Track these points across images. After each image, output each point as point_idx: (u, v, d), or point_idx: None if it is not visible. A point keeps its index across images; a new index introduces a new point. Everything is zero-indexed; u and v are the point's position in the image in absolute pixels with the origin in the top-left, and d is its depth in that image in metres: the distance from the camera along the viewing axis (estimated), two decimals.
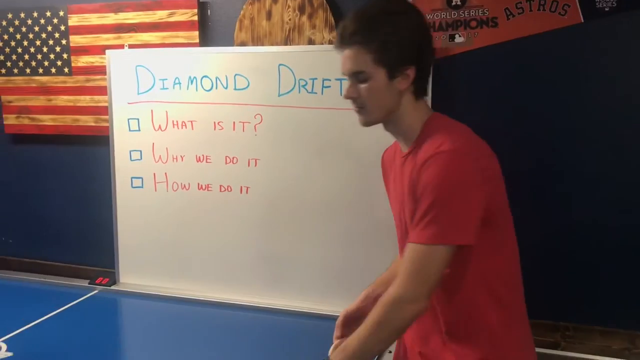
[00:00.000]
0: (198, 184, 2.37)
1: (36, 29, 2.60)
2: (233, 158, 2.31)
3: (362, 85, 1.35)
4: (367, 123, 1.40)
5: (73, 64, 2.58)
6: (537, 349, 1.98)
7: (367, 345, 1.32)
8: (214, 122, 2.31)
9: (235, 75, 2.25)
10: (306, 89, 2.18)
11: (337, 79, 2.11)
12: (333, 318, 2.07)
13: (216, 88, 2.29)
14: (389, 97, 1.35)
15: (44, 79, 2.63)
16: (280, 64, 2.19)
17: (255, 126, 2.26)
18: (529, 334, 1.46)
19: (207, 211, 2.37)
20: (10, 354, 1.91)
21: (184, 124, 2.35)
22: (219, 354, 1.90)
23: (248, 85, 2.25)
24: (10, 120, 2.72)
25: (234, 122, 2.28)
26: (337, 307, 2.12)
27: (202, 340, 2.02)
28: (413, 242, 1.29)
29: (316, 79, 2.16)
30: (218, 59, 2.28)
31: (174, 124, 2.37)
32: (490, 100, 2.10)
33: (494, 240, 1.34)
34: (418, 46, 1.34)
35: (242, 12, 2.29)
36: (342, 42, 1.35)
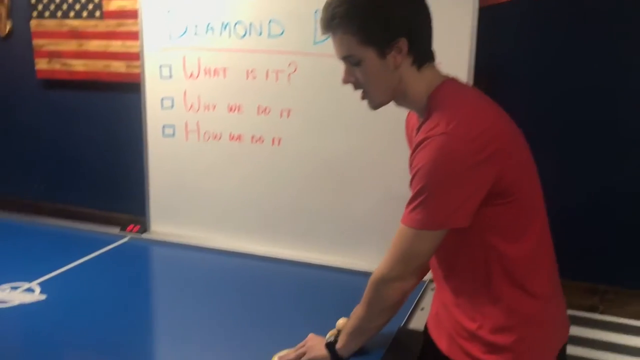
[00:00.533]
0: (230, 134, 2.33)
1: None
2: (265, 108, 2.26)
3: (357, 69, 1.29)
4: (375, 106, 1.35)
5: (104, 8, 2.52)
6: (575, 312, 1.97)
7: (361, 324, 1.41)
8: (247, 71, 2.25)
9: (270, 21, 2.18)
10: None
11: None
12: (364, 273, 2.07)
13: (250, 35, 2.22)
14: (386, 75, 1.29)
15: (75, 22, 2.59)
16: (316, 10, 2.10)
17: (289, 75, 2.19)
18: (556, 318, 1.39)
19: (238, 162, 2.33)
20: (43, 296, 1.93)
21: (216, 71, 2.30)
22: (247, 305, 1.89)
23: (282, 32, 2.18)
24: (41, 64, 2.70)
25: (267, 71, 2.22)
26: (369, 262, 2.11)
27: (231, 291, 2.02)
28: (402, 222, 1.28)
29: None
30: (253, 4, 2.20)
31: (206, 72, 2.32)
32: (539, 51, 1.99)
33: (509, 215, 1.27)
34: (402, 14, 1.25)
35: None
36: (324, 29, 1.30)
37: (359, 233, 2.19)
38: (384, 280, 1.32)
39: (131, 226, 2.53)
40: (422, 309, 1.79)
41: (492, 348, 1.31)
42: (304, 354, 1.47)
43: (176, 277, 2.18)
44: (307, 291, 2.03)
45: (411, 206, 1.25)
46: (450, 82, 1.32)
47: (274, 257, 2.25)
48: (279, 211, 2.30)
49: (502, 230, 1.27)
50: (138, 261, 2.34)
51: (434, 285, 1.92)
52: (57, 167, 2.83)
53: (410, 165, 1.28)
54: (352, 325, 1.42)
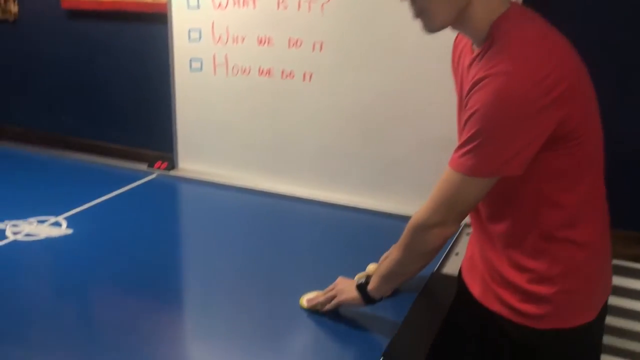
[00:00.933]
0: (259, 68, 2.23)
1: None
2: (297, 41, 2.14)
3: None
4: (433, 29, 1.17)
5: None
6: (618, 262, 1.87)
7: (396, 268, 1.32)
8: (278, 1, 2.12)
9: None
10: None
11: None
12: (394, 216, 2.01)
13: None
14: None
15: None
16: None
17: (322, 5, 2.06)
18: (603, 270, 1.30)
19: (268, 98, 2.24)
20: (70, 230, 1.91)
21: (245, 1, 2.18)
22: (275, 246, 1.84)
23: None
24: None
25: (299, 1, 2.09)
26: (400, 204, 2.04)
27: (258, 231, 1.97)
28: (450, 166, 1.16)
29: None
30: None
31: (234, 2, 2.20)
32: None
33: (569, 161, 1.15)
34: None
35: None
36: None
37: (391, 176, 2.10)
38: (425, 226, 1.22)
39: (159, 163, 2.49)
40: (457, 254, 1.72)
41: (529, 297, 1.23)
42: (333, 297, 1.42)
43: (203, 215, 2.14)
44: (335, 233, 1.97)
45: (463, 150, 1.13)
46: (515, 9, 1.16)
47: (302, 197, 2.18)
48: (308, 150, 2.22)
49: (558, 177, 1.16)
50: (165, 198, 2.31)
51: (470, 229, 1.85)
52: (84, 101, 2.78)
53: (464, 105, 1.15)
54: (386, 267, 1.34)
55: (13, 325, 1.40)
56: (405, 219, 1.92)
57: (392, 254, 1.34)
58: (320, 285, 1.48)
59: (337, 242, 1.89)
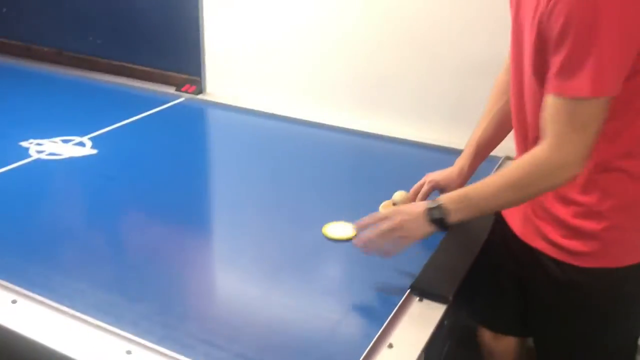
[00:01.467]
0: None
1: None
2: None
3: None
4: None
5: None
6: None
7: (495, 202, 1.15)
8: None
9: None
10: None
11: None
12: (431, 147, 1.91)
13: None
14: None
15: None
16: None
17: None
18: None
19: (302, 20, 2.12)
20: (94, 151, 1.87)
21: None
22: (302, 174, 1.77)
23: None
24: None
25: None
26: (437, 134, 1.94)
27: (286, 157, 1.90)
28: (557, 94, 1.01)
29: None
30: None
31: None
32: None
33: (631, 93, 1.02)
34: None
35: None
36: None
37: (429, 107, 1.98)
38: (550, 166, 1.06)
39: (187, 86, 2.42)
40: None
41: (575, 233, 1.14)
42: (399, 237, 1.19)
43: (230, 140, 2.08)
44: (367, 162, 1.89)
45: (566, 71, 0.99)
46: None
47: (333, 124, 2.09)
48: (343, 75, 2.11)
49: (622, 108, 1.03)
50: (192, 122, 2.25)
51: (508, 163, 1.74)
52: (113, 23, 2.69)
53: (541, 16, 1.01)
54: (479, 202, 1.15)
55: (36, 243, 1.38)
56: (439, 149, 1.88)
57: (488, 187, 1.14)
58: (348, 215, 1.40)
59: (367, 171, 1.81)
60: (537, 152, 1.07)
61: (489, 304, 1.43)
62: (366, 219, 1.22)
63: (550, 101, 1.03)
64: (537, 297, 1.28)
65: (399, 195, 1.47)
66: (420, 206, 1.18)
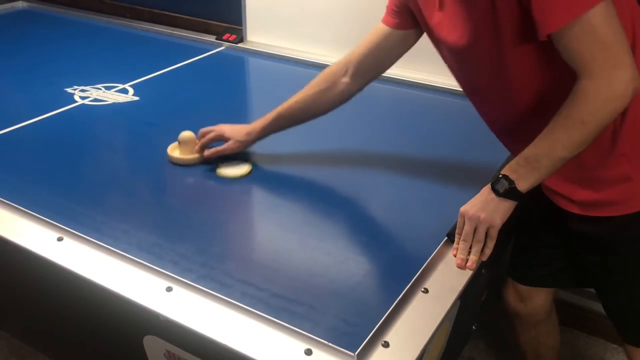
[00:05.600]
0: None
1: None
2: None
3: None
4: None
5: None
6: None
7: (557, 153, 1.03)
8: None
9: None
10: None
11: None
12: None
13: None
14: None
15: None
16: None
17: None
18: None
19: None
20: (136, 98, 1.89)
21: None
22: (341, 122, 1.74)
23: None
24: None
25: None
26: None
27: None
28: (565, 25, 0.95)
29: None
30: None
31: None
32: None
33: None
34: None
35: None
36: None
37: None
38: (603, 94, 0.97)
39: (227, 35, 2.40)
40: None
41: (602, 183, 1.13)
42: (486, 228, 1.10)
43: (269, 89, 2.07)
44: (405, 111, 1.86)
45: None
46: None
47: None
48: None
49: None
50: (232, 71, 2.25)
51: None
52: None
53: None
54: (539, 153, 1.05)
55: (81, 185, 1.42)
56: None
57: (547, 140, 1.04)
58: (390, 168, 1.39)
59: (414, 123, 1.78)
60: (580, 87, 0.99)
61: (528, 259, 1.42)
62: (456, 239, 1.13)
63: (561, 38, 0.97)
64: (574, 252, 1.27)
65: (185, 133, 1.48)
66: (485, 189, 1.11)
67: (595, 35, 0.95)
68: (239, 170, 1.46)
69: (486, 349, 2.00)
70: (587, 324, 2.03)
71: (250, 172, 1.45)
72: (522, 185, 1.06)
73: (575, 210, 1.19)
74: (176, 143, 1.50)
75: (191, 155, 1.48)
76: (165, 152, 1.50)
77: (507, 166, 1.10)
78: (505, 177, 1.07)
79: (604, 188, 1.14)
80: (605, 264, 1.24)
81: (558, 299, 1.52)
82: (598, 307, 1.39)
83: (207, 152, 1.48)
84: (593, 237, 1.21)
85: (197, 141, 1.48)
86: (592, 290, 1.36)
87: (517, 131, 1.19)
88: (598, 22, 0.95)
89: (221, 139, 1.48)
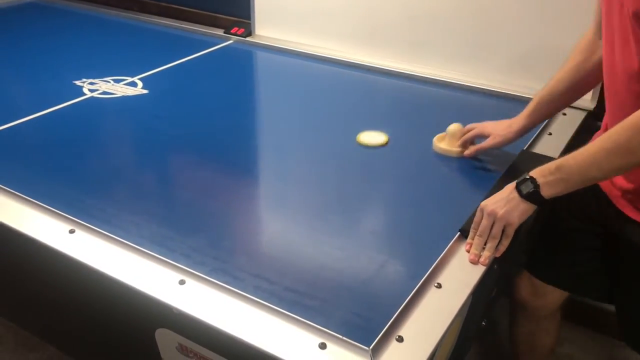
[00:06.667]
0: None
1: None
2: None
3: None
4: None
5: None
6: None
7: (593, 173, 1.02)
8: None
9: None
10: None
11: None
12: (478, 91, 1.86)
13: None
14: None
15: None
16: None
17: None
18: None
19: None
20: (145, 91, 1.89)
21: None
22: (352, 116, 1.75)
23: None
24: None
25: None
26: (486, 80, 1.88)
27: (334, 101, 1.87)
28: None
29: None
30: None
31: None
32: None
33: None
34: None
35: None
36: None
37: (477, 50, 1.91)
38: None
39: (235, 29, 2.40)
40: (550, 134, 1.57)
41: None
42: (502, 226, 1.10)
43: (277, 82, 2.06)
44: (417, 106, 1.85)
45: None
46: None
47: (382, 68, 2.05)
48: (394, 18, 2.04)
49: None
50: (240, 64, 2.24)
51: (565, 110, 1.67)
52: None
53: None
54: (574, 167, 1.03)
55: (92, 177, 1.42)
56: (495, 95, 1.83)
57: (589, 156, 1.02)
58: (400, 159, 1.38)
59: (417, 115, 1.77)
60: None
61: (553, 257, 1.41)
62: (472, 234, 1.13)
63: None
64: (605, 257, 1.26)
65: (453, 126, 1.48)
66: (508, 187, 1.11)
67: None
68: (380, 138, 1.55)
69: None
70: (594, 321, 2.03)
71: (387, 142, 1.55)
72: (547, 192, 1.06)
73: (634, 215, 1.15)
74: (444, 133, 1.50)
75: (455, 148, 1.48)
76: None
77: (537, 169, 1.08)
78: (532, 179, 1.07)
79: None
80: None
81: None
82: (607, 305, 1.39)
83: (467, 151, 1.44)
84: None
85: (462, 133, 1.46)
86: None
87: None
88: None
89: (483, 135, 1.42)
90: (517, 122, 1.37)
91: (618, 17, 1.05)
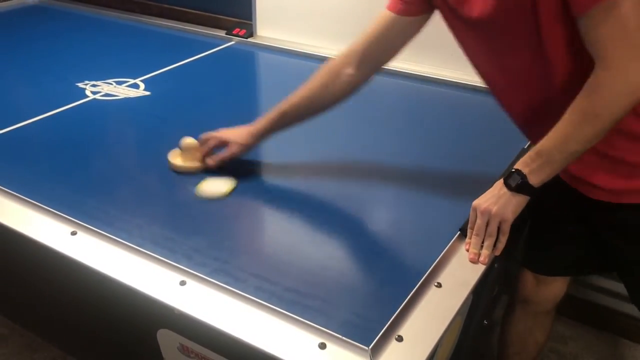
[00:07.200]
0: None
1: None
2: None
3: None
4: None
5: None
6: None
7: (570, 147, 1.02)
8: None
9: None
10: None
11: None
12: (479, 89, 1.85)
13: None
14: None
15: None
16: None
17: None
18: None
19: None
20: (148, 92, 1.90)
21: None
22: (353, 117, 1.75)
23: None
24: None
25: None
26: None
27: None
28: (593, 7, 0.93)
29: None
30: None
31: None
32: None
33: None
34: None
35: None
36: None
37: None
38: (619, 86, 0.96)
39: (237, 29, 2.40)
40: None
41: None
42: (497, 222, 1.10)
43: (279, 83, 2.06)
44: (417, 105, 1.85)
45: None
46: None
47: (387, 69, 2.04)
48: None
49: None
50: (243, 66, 2.25)
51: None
52: None
53: None
54: (551, 147, 1.04)
55: (94, 179, 1.43)
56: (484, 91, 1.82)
57: (559, 135, 1.03)
58: (401, 161, 1.38)
59: (419, 115, 1.77)
60: (594, 78, 0.97)
61: (544, 249, 1.41)
62: (469, 233, 1.13)
63: (586, 23, 0.96)
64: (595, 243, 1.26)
65: (186, 140, 1.42)
66: (497, 183, 1.11)
67: (620, 22, 0.93)
68: (221, 187, 1.36)
69: None
70: (598, 319, 2.03)
71: (233, 190, 1.36)
72: (535, 180, 1.06)
73: (606, 198, 1.17)
74: (178, 149, 1.45)
75: (193, 164, 1.41)
76: (176, 145, 1.50)
77: (519, 160, 1.09)
78: (517, 171, 1.07)
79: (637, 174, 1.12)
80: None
81: (570, 295, 1.51)
82: (611, 302, 1.39)
83: (209, 161, 1.40)
84: (633, 224, 1.18)
85: (200, 148, 1.42)
86: (606, 287, 1.36)
87: (541, 115, 1.15)
88: (627, 9, 0.92)
89: (223, 144, 1.41)
90: (259, 131, 1.39)
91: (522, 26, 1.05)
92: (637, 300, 1.32)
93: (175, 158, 1.44)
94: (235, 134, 1.41)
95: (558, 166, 1.05)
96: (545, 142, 1.05)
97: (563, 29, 1.02)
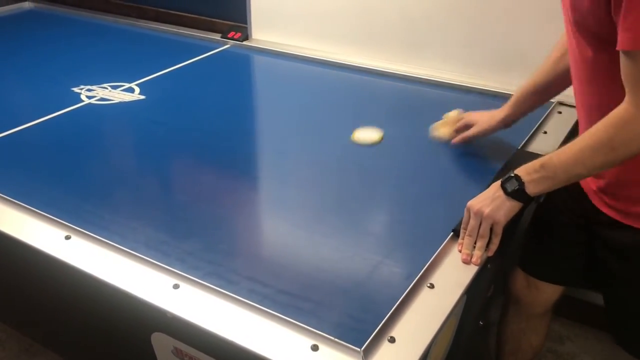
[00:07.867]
0: None
1: None
2: None
3: None
4: None
5: None
6: None
7: (577, 170, 1.03)
8: None
9: None
10: None
11: None
12: (475, 91, 1.86)
13: None
14: None
15: None
16: None
17: None
18: None
19: None
20: (143, 97, 1.90)
21: None
22: (350, 119, 1.75)
23: None
24: None
25: None
26: (482, 80, 1.88)
27: (332, 103, 1.88)
28: (624, 50, 0.93)
29: None
30: None
31: None
32: None
33: None
34: None
35: None
36: None
37: (474, 50, 1.91)
38: (635, 121, 0.95)
39: (232, 33, 2.41)
40: (545, 132, 1.58)
41: None
42: (489, 224, 1.11)
43: (275, 86, 2.07)
44: (412, 107, 1.86)
45: (628, 24, 0.91)
46: None
47: (379, 70, 2.05)
48: (388, 20, 2.05)
49: None
50: (238, 69, 2.25)
51: (560, 108, 1.69)
52: None
53: None
54: (559, 170, 1.04)
55: (88, 184, 1.43)
56: (484, 93, 1.83)
57: (568, 154, 1.03)
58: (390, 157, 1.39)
59: (412, 117, 1.77)
60: (621, 111, 0.96)
61: (542, 253, 1.40)
62: (462, 234, 1.14)
63: (622, 58, 0.95)
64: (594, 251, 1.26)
65: (453, 114, 1.54)
66: (494, 185, 1.13)
67: None
68: (374, 135, 1.58)
69: None
70: (596, 319, 2.03)
71: (382, 139, 1.57)
72: (532, 190, 1.07)
73: (614, 215, 1.16)
74: (443, 120, 1.55)
75: (447, 135, 1.52)
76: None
77: (521, 167, 1.09)
78: (516, 177, 1.08)
79: None
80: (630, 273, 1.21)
81: (567, 295, 1.50)
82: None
83: (454, 140, 1.49)
84: (630, 246, 1.18)
85: (457, 120, 1.51)
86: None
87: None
88: None
89: (471, 124, 1.47)
90: (500, 112, 1.43)
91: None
92: (613, 314, 1.31)
93: (439, 128, 1.54)
94: (482, 117, 1.46)
95: (558, 183, 1.05)
96: (553, 158, 1.05)
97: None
